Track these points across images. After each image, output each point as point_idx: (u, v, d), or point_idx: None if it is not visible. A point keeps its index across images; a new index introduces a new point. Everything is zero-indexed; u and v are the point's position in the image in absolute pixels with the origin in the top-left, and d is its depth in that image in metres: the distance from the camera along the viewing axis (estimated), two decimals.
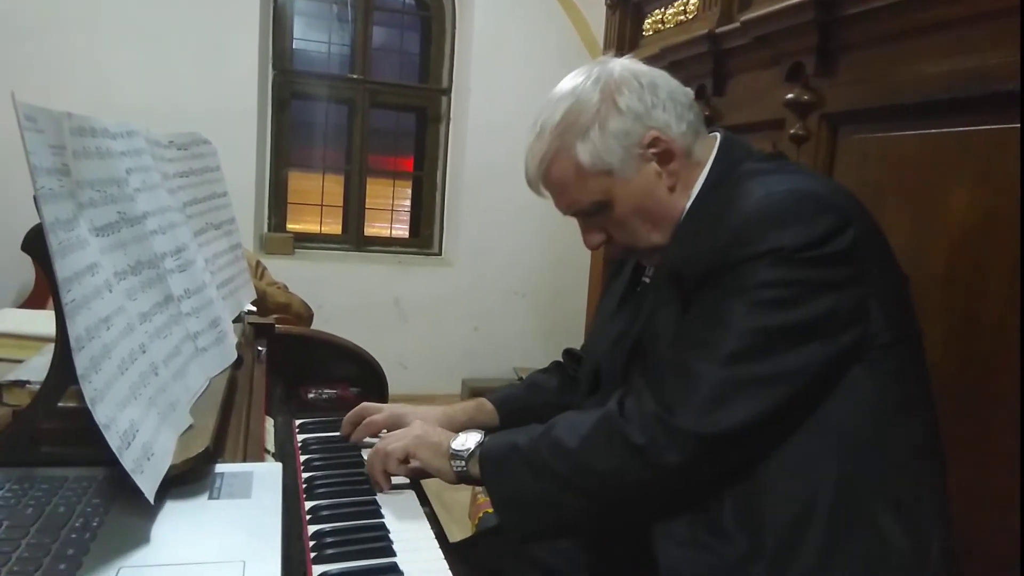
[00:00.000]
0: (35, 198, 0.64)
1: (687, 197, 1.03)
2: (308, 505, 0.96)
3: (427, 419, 1.17)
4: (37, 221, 0.65)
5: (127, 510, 0.67)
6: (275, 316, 1.78)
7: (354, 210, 4.27)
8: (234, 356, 1.10)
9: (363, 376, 1.50)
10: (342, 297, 3.87)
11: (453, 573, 0.85)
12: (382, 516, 0.96)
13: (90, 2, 3.49)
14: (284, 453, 1.09)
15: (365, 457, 1.08)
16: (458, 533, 1.99)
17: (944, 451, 0.97)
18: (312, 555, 0.84)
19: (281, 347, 1.42)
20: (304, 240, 4.19)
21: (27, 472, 0.73)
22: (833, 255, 0.87)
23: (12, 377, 0.89)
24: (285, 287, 2.84)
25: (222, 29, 3.66)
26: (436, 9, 4.27)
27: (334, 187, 4.32)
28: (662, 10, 2.30)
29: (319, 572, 0.81)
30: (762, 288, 0.87)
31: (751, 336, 0.86)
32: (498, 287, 4.24)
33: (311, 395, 1.42)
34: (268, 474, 0.80)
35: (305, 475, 1.06)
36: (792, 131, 1.59)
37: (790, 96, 1.59)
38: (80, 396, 0.62)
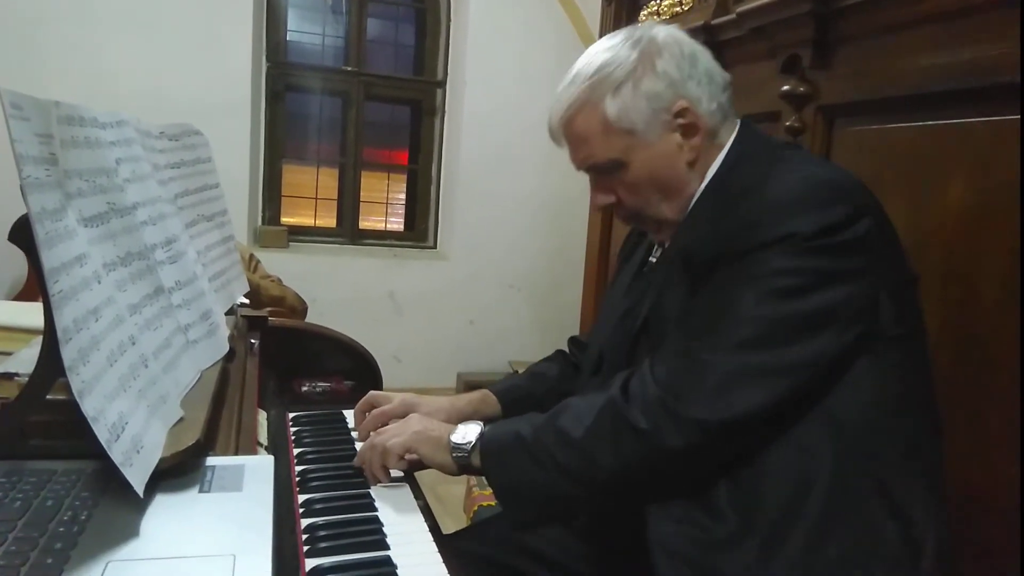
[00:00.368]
0: (21, 187, 0.63)
1: (702, 178, 1.03)
2: (301, 498, 0.96)
3: (435, 410, 1.17)
4: (24, 211, 0.64)
5: (116, 503, 0.67)
6: (269, 309, 1.77)
7: (349, 203, 4.26)
8: (226, 349, 1.09)
9: (357, 369, 1.49)
10: (336, 291, 3.85)
11: (447, 566, 0.84)
12: (376, 509, 0.95)
13: None
14: (277, 446, 1.08)
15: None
16: (453, 526, 1.99)
17: (943, 452, 0.96)
18: (305, 548, 0.84)
19: (274, 340, 1.41)
20: (298, 233, 4.17)
21: (15, 465, 0.72)
22: (847, 243, 0.87)
23: (0, 369, 0.88)
24: (279, 280, 2.83)
25: (216, 20, 3.63)
26: (431, 1, 4.25)
27: (328, 180, 4.30)
28: (658, 1, 2.29)
29: (312, 565, 0.80)
30: (775, 276, 0.86)
31: (761, 324, 0.86)
32: (493, 281, 4.23)
33: (305, 388, 1.41)
34: (260, 467, 0.79)
35: (298, 468, 1.06)
36: (788, 123, 1.58)
37: (786, 88, 1.58)
38: (68, 388, 0.62)
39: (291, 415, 1.27)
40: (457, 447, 1.00)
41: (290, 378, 1.43)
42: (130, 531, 0.63)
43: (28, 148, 0.65)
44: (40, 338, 0.71)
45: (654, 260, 1.14)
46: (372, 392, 1.23)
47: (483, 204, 4.14)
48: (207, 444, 0.81)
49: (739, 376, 0.86)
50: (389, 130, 4.43)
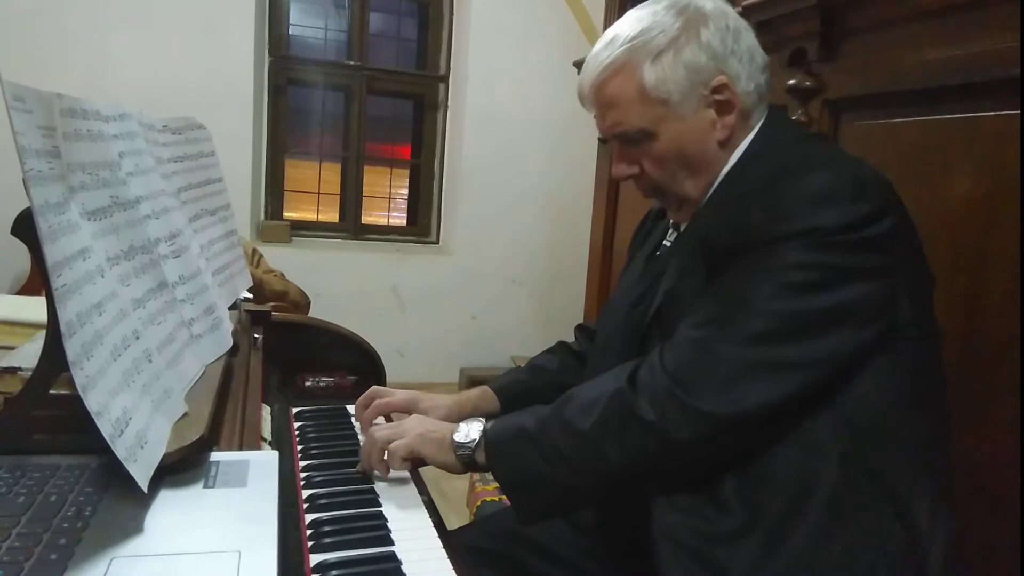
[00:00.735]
0: (24, 180, 0.62)
1: (728, 160, 1.00)
2: (305, 494, 0.95)
3: (436, 407, 1.17)
4: (28, 205, 0.63)
5: (120, 499, 0.66)
6: (272, 304, 1.77)
7: (351, 198, 4.25)
8: (230, 343, 1.09)
9: (360, 364, 1.49)
10: (339, 285, 3.85)
11: (451, 561, 0.84)
12: (380, 505, 0.95)
13: None
14: (281, 441, 1.08)
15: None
16: (456, 521, 1.99)
17: (951, 458, 0.95)
18: (309, 544, 0.83)
19: (278, 335, 1.41)
20: (301, 228, 4.17)
21: (19, 460, 0.71)
22: (869, 240, 0.85)
23: (4, 364, 0.88)
24: (282, 275, 2.83)
25: (218, 14, 3.62)
26: None
27: (331, 175, 4.29)
28: None
29: (316, 561, 0.80)
30: (793, 270, 0.85)
31: (776, 318, 0.85)
32: (496, 275, 4.22)
33: (308, 383, 1.41)
34: (264, 462, 0.79)
35: (302, 463, 1.05)
36: (794, 117, 1.57)
37: (792, 82, 1.57)
38: (72, 383, 0.61)
39: (294, 410, 1.27)
40: (461, 446, 0.99)
41: (293, 373, 1.43)
42: (134, 527, 0.63)
43: (31, 141, 0.65)
44: (43, 332, 0.70)
45: (668, 244, 1.12)
46: (375, 387, 1.23)
47: (486, 199, 4.13)
48: (211, 439, 0.81)
49: (750, 370, 0.85)
50: (392, 125, 4.42)
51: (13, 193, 0.81)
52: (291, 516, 0.86)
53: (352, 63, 4.13)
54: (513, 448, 0.95)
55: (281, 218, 4.14)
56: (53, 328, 0.65)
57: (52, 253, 0.63)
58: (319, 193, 4.29)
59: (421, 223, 4.41)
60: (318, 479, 1.00)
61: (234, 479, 0.74)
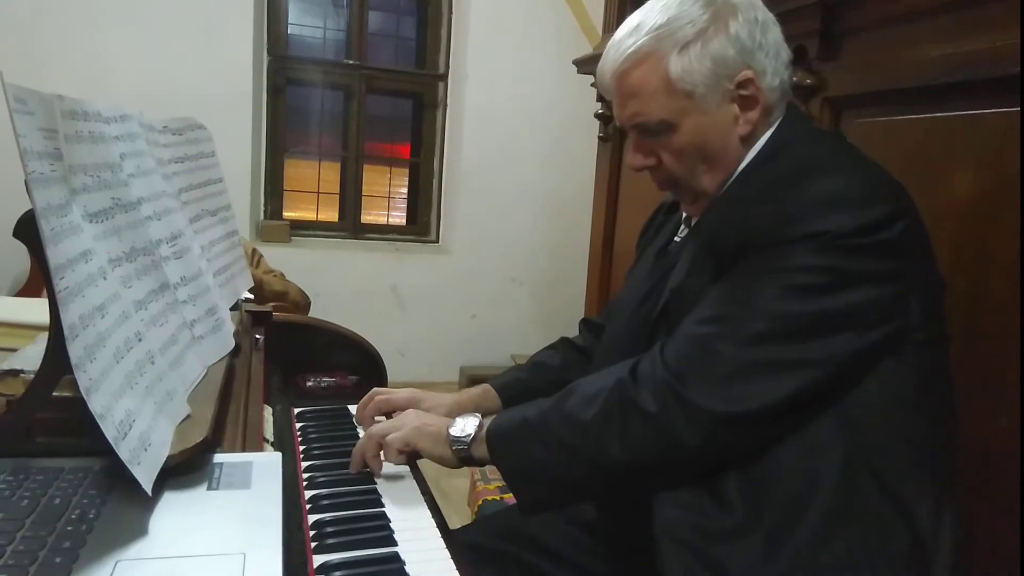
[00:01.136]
0: (26, 182, 0.62)
1: (746, 156, 0.99)
2: (308, 494, 0.95)
3: (438, 405, 1.17)
4: (29, 207, 0.63)
5: (124, 502, 0.66)
6: (272, 304, 1.77)
7: (351, 197, 4.25)
8: (232, 344, 1.09)
9: (361, 364, 1.49)
10: (339, 285, 3.85)
11: (454, 560, 0.84)
12: (383, 505, 0.95)
13: None
14: (283, 442, 1.08)
15: None
16: (457, 521, 1.99)
17: (956, 464, 0.95)
18: (313, 545, 0.83)
19: (279, 335, 1.41)
20: (301, 228, 4.17)
21: (22, 463, 0.71)
22: (880, 244, 0.84)
23: (5, 366, 0.87)
24: (282, 275, 2.83)
25: (216, 14, 3.62)
26: None
27: (330, 174, 4.29)
28: None
29: (320, 562, 0.80)
30: (799, 272, 0.84)
31: (779, 320, 0.84)
32: (496, 274, 4.22)
33: (309, 383, 1.41)
34: (268, 464, 0.79)
35: (304, 464, 1.05)
36: None
37: (793, 80, 1.57)
38: (75, 385, 0.61)
39: (296, 411, 1.27)
40: (456, 440, 0.99)
41: (295, 373, 1.42)
42: (139, 529, 0.63)
43: (33, 143, 0.64)
44: (44, 335, 0.70)
45: (679, 240, 1.11)
46: (376, 389, 1.23)
47: (485, 198, 4.13)
48: (215, 441, 0.81)
49: (750, 370, 0.85)
50: (391, 124, 4.42)
51: (9, 194, 0.81)
52: (294, 517, 0.86)
53: (351, 62, 4.13)
54: (516, 439, 0.95)
55: (280, 218, 4.14)
56: (56, 330, 0.64)
57: (55, 256, 0.63)
58: (318, 192, 4.28)
59: (421, 222, 4.41)
60: (321, 480, 1.00)
61: (238, 481, 0.74)
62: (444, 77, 4.24)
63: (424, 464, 1.06)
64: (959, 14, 1.22)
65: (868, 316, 0.85)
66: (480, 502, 2.05)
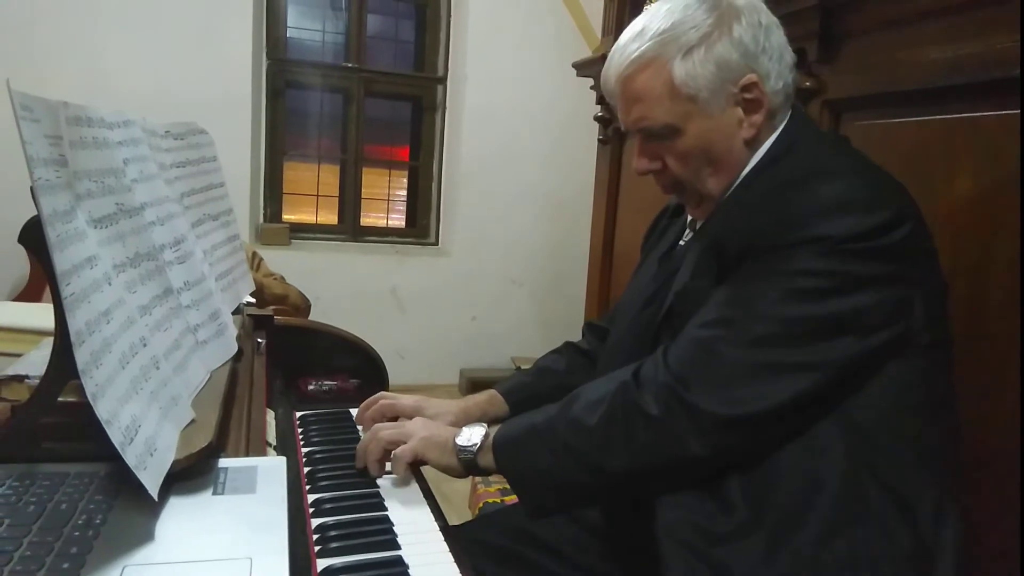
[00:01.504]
0: (32, 189, 0.62)
1: (751, 159, 0.99)
2: (311, 498, 0.95)
3: (443, 412, 1.17)
4: (31, 213, 0.63)
5: (130, 507, 0.66)
6: (272, 307, 1.77)
7: (350, 200, 4.25)
8: (235, 349, 1.09)
9: (363, 367, 1.49)
10: (339, 288, 3.85)
11: (457, 559, 0.84)
12: (386, 508, 0.95)
13: None
14: (285, 446, 1.08)
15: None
16: (458, 523, 1.99)
17: (959, 468, 0.95)
18: (316, 549, 0.83)
19: (280, 339, 1.41)
20: (300, 231, 4.17)
21: (28, 468, 0.72)
22: (882, 249, 0.85)
23: (10, 372, 0.88)
24: (282, 278, 2.83)
25: (215, 17, 3.62)
26: None
27: (330, 177, 4.29)
28: None
29: (324, 566, 0.80)
30: (803, 276, 0.85)
31: (780, 323, 0.85)
32: (495, 276, 4.22)
33: (311, 387, 1.41)
34: (272, 468, 0.79)
35: (307, 468, 1.05)
36: None
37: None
38: (80, 391, 0.61)
39: (298, 414, 1.27)
40: (463, 449, 1.00)
41: (296, 377, 1.43)
42: (145, 535, 0.63)
43: (39, 150, 0.65)
44: (48, 340, 0.71)
45: (683, 243, 1.12)
46: (381, 393, 1.22)
47: (485, 200, 4.13)
48: (219, 446, 0.81)
49: (752, 373, 0.85)
50: (390, 126, 4.42)
51: (12, 199, 0.81)
52: (297, 521, 0.86)
53: (350, 65, 4.13)
54: (523, 446, 0.96)
55: (280, 221, 4.14)
56: (61, 336, 0.65)
57: (61, 262, 0.63)
58: (318, 195, 4.28)
59: (420, 224, 4.41)
60: (323, 483, 1.00)
61: (243, 485, 0.74)
62: (443, 80, 4.24)
63: (425, 466, 1.06)
64: (958, 17, 1.22)
65: (871, 320, 0.85)
66: (481, 504, 2.05)
